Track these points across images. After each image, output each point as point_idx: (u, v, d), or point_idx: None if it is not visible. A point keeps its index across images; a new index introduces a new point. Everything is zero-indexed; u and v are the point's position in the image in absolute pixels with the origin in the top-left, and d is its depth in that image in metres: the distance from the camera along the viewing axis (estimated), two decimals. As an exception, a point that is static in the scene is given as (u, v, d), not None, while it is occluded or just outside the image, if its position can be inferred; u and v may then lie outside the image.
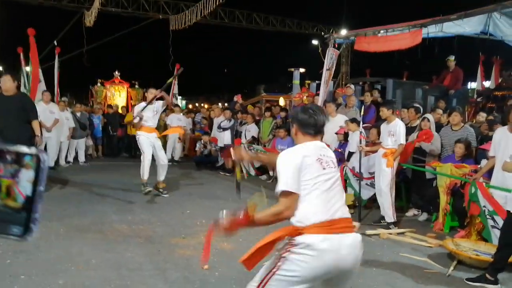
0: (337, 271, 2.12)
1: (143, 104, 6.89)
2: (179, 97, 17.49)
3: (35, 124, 6.16)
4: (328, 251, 2.06)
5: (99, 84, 15.50)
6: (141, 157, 6.89)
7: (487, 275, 3.84)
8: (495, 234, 4.65)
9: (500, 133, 4.66)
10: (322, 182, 2.21)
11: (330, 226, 2.12)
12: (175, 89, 14.77)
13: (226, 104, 21.14)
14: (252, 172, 9.68)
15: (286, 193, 2.15)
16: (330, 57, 8.59)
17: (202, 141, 11.24)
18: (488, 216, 4.74)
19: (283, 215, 2.16)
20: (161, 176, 7.05)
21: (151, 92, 6.79)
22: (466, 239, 4.89)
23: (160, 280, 3.75)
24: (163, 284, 3.67)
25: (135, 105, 15.52)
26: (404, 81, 12.02)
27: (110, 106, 13.81)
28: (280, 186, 2.17)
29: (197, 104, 25.52)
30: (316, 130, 2.36)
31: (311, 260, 2.05)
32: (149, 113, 6.77)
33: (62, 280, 3.64)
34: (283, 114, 10.20)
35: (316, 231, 2.09)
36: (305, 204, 2.16)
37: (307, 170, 2.20)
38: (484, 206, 4.77)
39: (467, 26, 7.51)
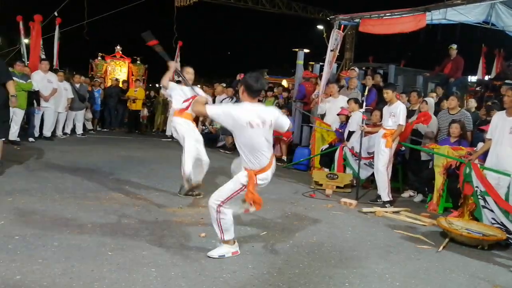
0: None
1: (178, 85, 5.69)
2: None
3: (9, 85, 5.95)
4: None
5: (99, 58, 15.31)
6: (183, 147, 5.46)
7: None
8: (485, 214, 4.77)
9: (498, 117, 4.87)
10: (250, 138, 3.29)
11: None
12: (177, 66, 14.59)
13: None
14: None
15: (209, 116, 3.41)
16: (335, 38, 8.48)
17: (200, 119, 11.20)
18: (479, 197, 4.82)
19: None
20: (200, 175, 5.57)
21: (188, 72, 5.62)
22: (459, 218, 4.96)
23: (156, 245, 3.76)
24: (158, 249, 3.68)
25: (137, 79, 15.34)
26: (405, 68, 12.00)
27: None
28: (212, 110, 3.36)
29: (198, 86, 25.37)
30: (257, 94, 3.36)
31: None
32: (181, 94, 5.56)
33: (57, 242, 3.64)
34: (285, 94, 10.16)
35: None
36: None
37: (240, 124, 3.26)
38: (477, 187, 4.85)
39: (470, 14, 7.56)
